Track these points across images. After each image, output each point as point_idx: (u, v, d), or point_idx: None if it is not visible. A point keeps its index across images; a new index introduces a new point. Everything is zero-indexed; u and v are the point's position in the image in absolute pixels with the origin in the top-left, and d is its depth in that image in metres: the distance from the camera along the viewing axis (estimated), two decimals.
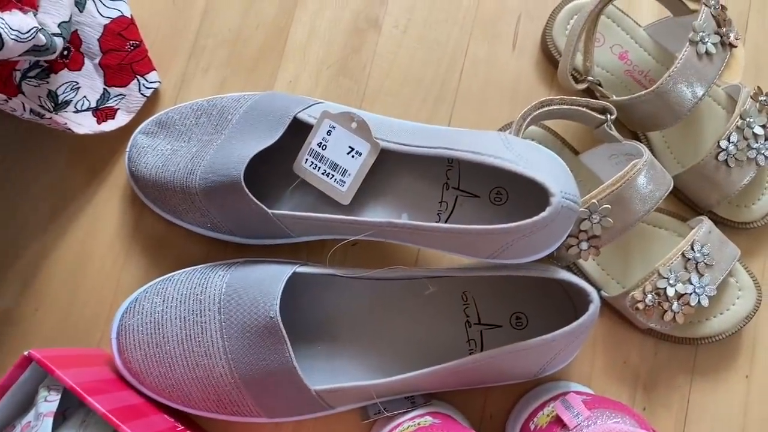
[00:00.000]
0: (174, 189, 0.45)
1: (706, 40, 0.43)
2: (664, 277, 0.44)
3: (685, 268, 0.44)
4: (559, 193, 0.36)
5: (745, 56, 0.48)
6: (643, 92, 0.44)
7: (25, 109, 0.45)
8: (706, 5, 0.44)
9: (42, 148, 0.50)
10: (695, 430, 0.47)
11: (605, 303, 0.48)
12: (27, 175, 0.50)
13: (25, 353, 0.39)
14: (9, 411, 0.41)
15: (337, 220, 0.43)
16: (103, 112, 0.50)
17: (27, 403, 0.42)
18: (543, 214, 0.36)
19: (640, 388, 0.48)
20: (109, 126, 0.49)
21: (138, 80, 0.51)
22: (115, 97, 0.51)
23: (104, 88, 0.51)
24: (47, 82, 0.49)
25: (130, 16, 0.52)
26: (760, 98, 0.47)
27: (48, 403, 0.38)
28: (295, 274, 0.43)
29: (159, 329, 0.43)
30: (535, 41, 0.52)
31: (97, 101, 0.51)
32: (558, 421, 0.39)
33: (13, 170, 0.50)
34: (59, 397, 0.39)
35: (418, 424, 0.40)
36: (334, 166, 0.44)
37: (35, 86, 0.48)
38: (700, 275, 0.44)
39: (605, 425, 0.36)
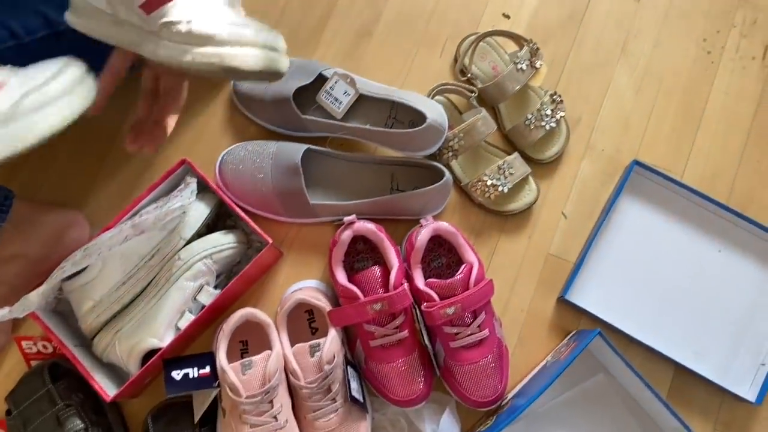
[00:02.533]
0: (255, 99, 0.92)
1: (521, 63, 0.89)
2: (487, 175, 0.90)
3: (497, 173, 0.90)
4: (430, 118, 0.83)
5: (547, 74, 0.94)
6: (488, 84, 0.90)
7: None
8: (526, 45, 0.90)
9: None
10: (497, 262, 0.93)
11: (461, 188, 0.94)
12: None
13: (182, 159, 0.85)
14: (165, 190, 0.87)
15: (334, 124, 0.89)
16: None
17: (174, 188, 0.88)
18: (421, 126, 0.83)
19: (473, 235, 0.93)
20: None
21: None
22: None
23: None
24: None
25: None
26: (553, 96, 0.93)
27: (193, 179, 0.84)
28: (309, 149, 0.89)
29: (240, 163, 0.89)
30: (451, 53, 0.98)
31: None
32: (420, 226, 0.85)
33: None
34: (196, 179, 0.85)
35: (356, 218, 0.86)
36: (336, 99, 0.90)
37: None
38: (504, 177, 0.90)
39: (436, 222, 0.83)
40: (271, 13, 0.99)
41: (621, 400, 0.88)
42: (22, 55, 0.66)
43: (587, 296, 0.91)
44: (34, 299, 0.76)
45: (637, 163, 0.92)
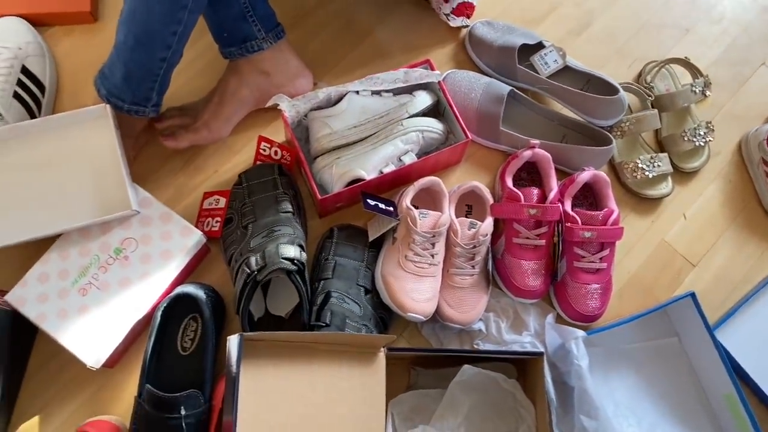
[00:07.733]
0: (485, 44, 1.19)
1: (696, 87, 1.14)
2: (640, 159, 1.13)
3: (649, 161, 1.13)
4: (622, 93, 1.08)
5: (713, 103, 1.18)
6: (664, 94, 1.15)
7: None
8: (702, 77, 1.15)
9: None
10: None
11: (613, 165, 1.17)
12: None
13: (426, 59, 1.12)
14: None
15: (540, 78, 1.15)
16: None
17: None
18: (613, 96, 1.08)
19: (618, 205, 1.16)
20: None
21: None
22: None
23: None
24: None
25: None
26: (708, 124, 1.16)
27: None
28: (513, 90, 1.15)
29: (459, 81, 1.15)
30: (636, 69, 1.24)
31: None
32: (583, 170, 1.08)
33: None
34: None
35: None
36: (546, 63, 1.16)
37: None
38: (653, 166, 1.13)
39: (591, 171, 1.06)
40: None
41: (684, 366, 1.07)
42: None
43: (732, 339, 1.06)
44: (301, 104, 1.03)
45: None
